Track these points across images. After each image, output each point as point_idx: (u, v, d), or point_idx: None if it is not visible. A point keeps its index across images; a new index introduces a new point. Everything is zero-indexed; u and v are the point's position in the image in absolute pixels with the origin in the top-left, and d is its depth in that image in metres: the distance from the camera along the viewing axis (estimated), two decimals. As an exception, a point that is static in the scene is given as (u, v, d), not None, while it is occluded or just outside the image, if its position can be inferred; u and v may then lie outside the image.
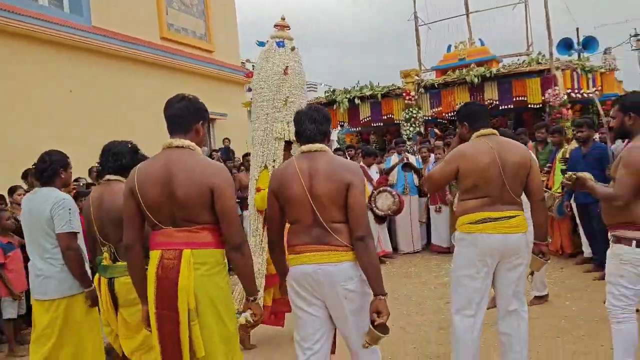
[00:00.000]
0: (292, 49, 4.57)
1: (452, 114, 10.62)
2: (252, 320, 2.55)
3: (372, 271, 2.48)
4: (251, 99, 4.77)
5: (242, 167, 8.36)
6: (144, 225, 2.51)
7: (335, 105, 11.14)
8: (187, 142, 2.47)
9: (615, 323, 3.15)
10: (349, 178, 2.52)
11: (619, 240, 3.14)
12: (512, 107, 9.84)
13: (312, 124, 2.69)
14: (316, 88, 29.31)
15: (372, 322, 2.43)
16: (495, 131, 3.23)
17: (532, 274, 3.30)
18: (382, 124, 11.67)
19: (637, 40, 24.43)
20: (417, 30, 13.21)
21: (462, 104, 3.63)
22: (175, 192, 2.37)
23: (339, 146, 11.64)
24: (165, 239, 2.42)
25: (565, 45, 12.24)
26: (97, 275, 3.33)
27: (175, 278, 2.35)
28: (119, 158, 3.30)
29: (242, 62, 18.83)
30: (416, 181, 8.21)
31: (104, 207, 3.22)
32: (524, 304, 3.21)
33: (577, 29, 16.78)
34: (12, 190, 6.22)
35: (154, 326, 2.44)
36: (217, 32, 14.85)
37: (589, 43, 12.30)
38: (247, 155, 8.62)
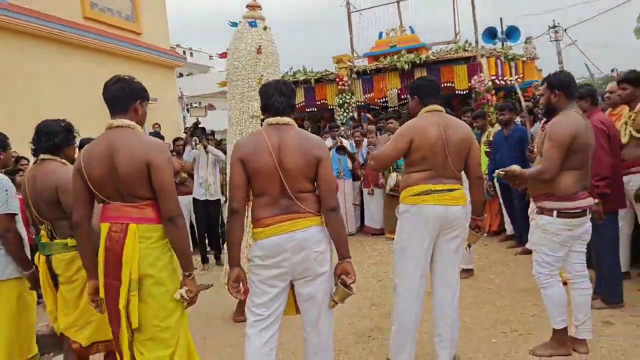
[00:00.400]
0: (265, 28, 4.64)
1: (384, 99, 10.85)
2: (187, 297, 2.55)
3: (341, 238, 2.66)
4: (226, 78, 4.76)
5: (173, 153, 8.17)
6: (92, 203, 2.64)
7: (268, 90, 11.05)
8: (126, 122, 2.58)
9: (542, 289, 3.37)
10: (319, 153, 2.62)
11: (541, 211, 3.34)
12: (441, 93, 10.14)
13: (281, 96, 2.71)
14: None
15: (343, 283, 2.62)
16: (442, 108, 3.30)
17: (469, 246, 3.43)
18: (316, 109, 11.71)
19: (555, 31, 25.79)
20: (349, 16, 13.30)
21: (416, 79, 3.68)
22: (117, 169, 2.48)
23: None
24: (113, 213, 2.54)
25: (490, 34, 12.72)
26: (37, 254, 3.31)
27: (120, 250, 2.47)
28: (51, 137, 3.27)
29: (172, 47, 18.26)
30: (350, 165, 8.35)
31: (37, 186, 3.21)
32: (458, 276, 3.31)
33: (501, 19, 17.39)
34: None
35: (102, 296, 2.57)
36: (144, 13, 14.27)
37: (512, 32, 12.84)
38: (177, 140, 8.42)
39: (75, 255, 3.10)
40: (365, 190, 8.24)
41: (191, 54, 39.24)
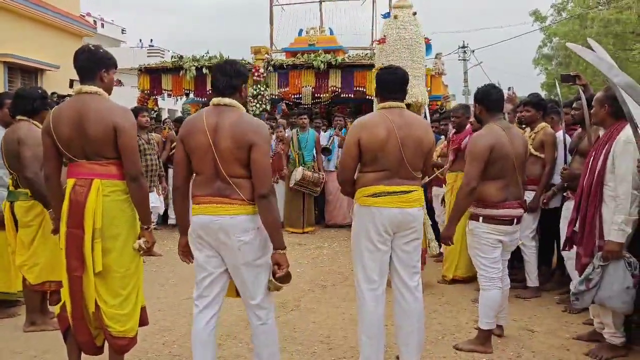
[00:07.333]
0: (395, 16, 5.04)
1: (298, 95, 10.98)
2: (144, 247, 2.88)
3: (273, 227, 2.64)
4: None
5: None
6: (60, 159, 2.89)
7: (181, 72, 10.79)
8: (94, 88, 2.82)
9: (481, 290, 3.58)
10: (252, 138, 2.59)
11: (471, 216, 3.53)
12: (352, 96, 10.46)
13: (223, 76, 2.68)
14: (164, 54, 28.15)
15: (273, 273, 2.65)
16: (401, 104, 3.11)
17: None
18: (228, 98, 11.60)
19: (463, 51, 27.52)
20: (271, 9, 13.31)
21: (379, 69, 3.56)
22: (86, 130, 2.72)
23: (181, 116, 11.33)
24: (78, 169, 2.80)
25: (404, 45, 13.27)
26: (4, 201, 4.00)
27: (83, 201, 2.73)
28: (29, 102, 3.83)
29: (82, 15, 17.25)
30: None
31: (7, 142, 3.81)
32: (419, 280, 3.20)
33: (416, 33, 18.23)
34: None
35: (63, 243, 2.81)
36: (54, -25, 13.37)
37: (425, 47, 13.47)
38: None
39: (34, 204, 3.79)
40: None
41: (102, 25, 37.17)
